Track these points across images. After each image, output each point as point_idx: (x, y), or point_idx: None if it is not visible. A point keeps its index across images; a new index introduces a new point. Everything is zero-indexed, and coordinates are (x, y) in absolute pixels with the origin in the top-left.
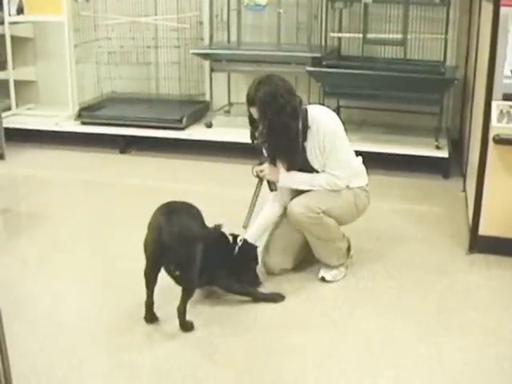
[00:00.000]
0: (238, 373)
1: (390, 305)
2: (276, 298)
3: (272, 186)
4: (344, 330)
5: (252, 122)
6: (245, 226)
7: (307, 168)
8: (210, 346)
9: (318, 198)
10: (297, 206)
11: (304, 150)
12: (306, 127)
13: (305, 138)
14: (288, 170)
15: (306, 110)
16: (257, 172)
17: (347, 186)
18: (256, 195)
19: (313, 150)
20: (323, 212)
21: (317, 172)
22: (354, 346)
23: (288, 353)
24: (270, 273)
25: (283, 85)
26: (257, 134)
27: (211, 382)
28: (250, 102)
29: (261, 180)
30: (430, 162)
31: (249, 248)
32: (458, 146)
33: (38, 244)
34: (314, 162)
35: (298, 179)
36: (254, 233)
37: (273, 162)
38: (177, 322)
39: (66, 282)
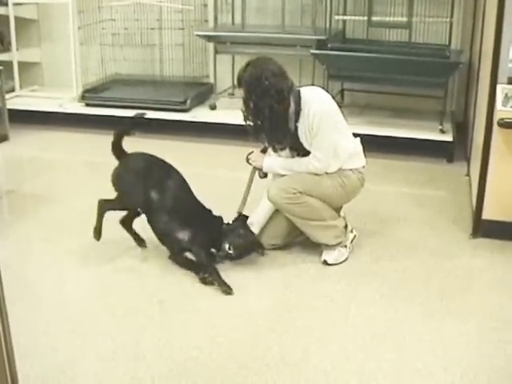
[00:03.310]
0: (241, 354)
1: (393, 288)
2: (227, 289)
3: (260, 173)
4: (347, 312)
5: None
6: (240, 211)
7: (300, 149)
8: (211, 328)
9: (296, 180)
10: (272, 188)
11: (296, 131)
12: (298, 109)
13: (297, 120)
14: (276, 151)
15: (299, 92)
16: (247, 159)
17: (339, 168)
18: (250, 181)
19: (303, 132)
20: (300, 192)
21: (308, 154)
22: (357, 328)
23: (290, 335)
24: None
25: (271, 68)
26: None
27: (212, 363)
28: (238, 82)
29: (254, 167)
30: (434, 146)
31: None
32: (463, 130)
33: (42, 225)
34: (305, 143)
35: (279, 165)
36: (260, 217)
37: (265, 148)
38: (183, 306)
39: (70, 263)
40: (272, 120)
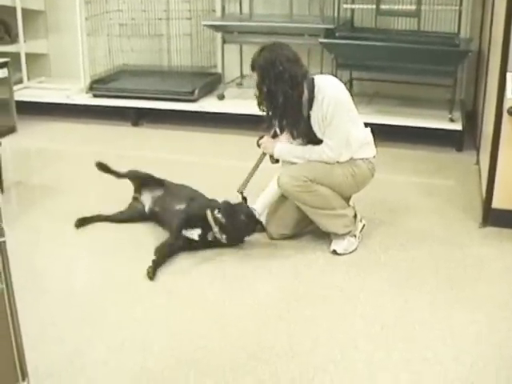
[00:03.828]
0: (250, 344)
1: (403, 277)
2: (150, 271)
3: (272, 159)
4: (356, 302)
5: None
6: (240, 191)
7: (312, 137)
8: (220, 317)
9: (307, 168)
10: (283, 176)
11: (309, 119)
12: (312, 97)
13: (310, 108)
14: (293, 137)
15: (313, 80)
16: (258, 143)
17: (350, 158)
18: (256, 165)
19: (316, 120)
20: (311, 180)
21: (320, 143)
22: (366, 318)
23: (299, 325)
24: (271, 238)
25: (285, 53)
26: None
27: (221, 353)
28: (252, 66)
29: (263, 152)
30: (444, 135)
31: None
32: (472, 119)
33: (50, 216)
34: (317, 132)
35: (291, 152)
36: (265, 198)
37: (275, 133)
38: (192, 296)
39: (78, 254)
40: (286, 106)
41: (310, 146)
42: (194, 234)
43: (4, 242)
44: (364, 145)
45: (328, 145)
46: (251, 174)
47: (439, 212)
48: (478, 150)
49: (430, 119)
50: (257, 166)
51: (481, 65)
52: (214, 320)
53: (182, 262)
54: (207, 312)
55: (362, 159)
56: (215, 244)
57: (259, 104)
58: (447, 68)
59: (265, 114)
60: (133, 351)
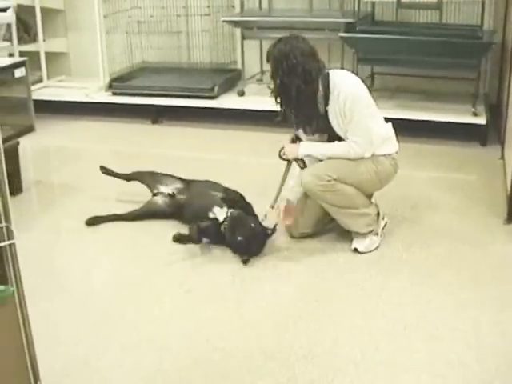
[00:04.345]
0: (268, 345)
1: (425, 276)
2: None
3: (300, 164)
4: (377, 301)
5: None
6: (272, 207)
7: (331, 133)
8: (239, 317)
9: (330, 166)
10: (307, 175)
11: (326, 115)
12: (327, 93)
13: (327, 104)
14: (306, 133)
15: (328, 75)
16: (280, 155)
17: (372, 154)
18: (284, 176)
19: (334, 116)
20: (335, 180)
21: (339, 139)
22: (387, 318)
23: (319, 324)
24: (291, 236)
25: (301, 46)
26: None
27: (239, 354)
28: (267, 57)
29: (288, 161)
30: (467, 129)
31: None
32: (496, 113)
33: (69, 215)
34: (336, 128)
35: (316, 150)
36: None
37: (294, 138)
38: (210, 296)
39: (96, 253)
40: (299, 100)
41: (336, 143)
42: (222, 214)
43: (13, 244)
44: (386, 140)
45: (354, 141)
46: (280, 188)
47: (462, 208)
48: (502, 144)
49: (453, 113)
50: (285, 178)
51: (505, 58)
52: (232, 320)
53: (202, 261)
54: (226, 312)
55: (385, 155)
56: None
57: (272, 95)
58: (470, 61)
59: (278, 106)
60: (149, 351)
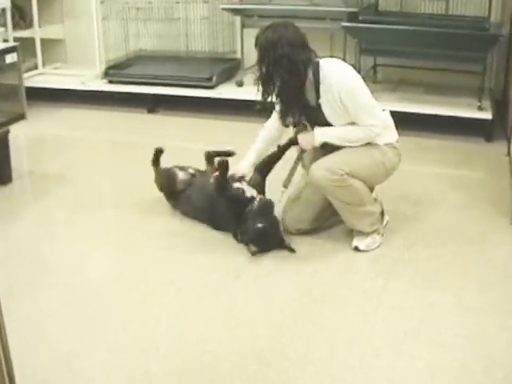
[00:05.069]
0: (262, 349)
1: (428, 278)
2: None
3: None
4: (377, 304)
5: None
6: (285, 186)
7: (322, 125)
8: (231, 318)
9: (341, 159)
10: (318, 169)
11: (320, 107)
12: (317, 83)
13: (318, 96)
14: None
15: (318, 64)
16: (292, 142)
17: (375, 144)
18: (296, 163)
19: (329, 107)
20: (347, 174)
21: None
22: (388, 322)
23: (317, 327)
24: (288, 232)
25: (290, 36)
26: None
27: (230, 358)
28: (255, 43)
29: (301, 151)
30: (472, 124)
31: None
32: (502, 108)
33: (62, 206)
34: (332, 119)
35: (334, 135)
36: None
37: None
38: (202, 295)
39: (88, 246)
40: (283, 91)
41: (353, 126)
42: (251, 192)
43: None
44: (386, 127)
45: (371, 124)
46: (293, 171)
47: (467, 206)
48: (508, 140)
49: (458, 107)
50: (296, 167)
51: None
52: (224, 322)
53: (194, 259)
54: (218, 312)
55: (387, 144)
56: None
57: (256, 83)
58: (477, 53)
59: (260, 94)
60: (136, 353)
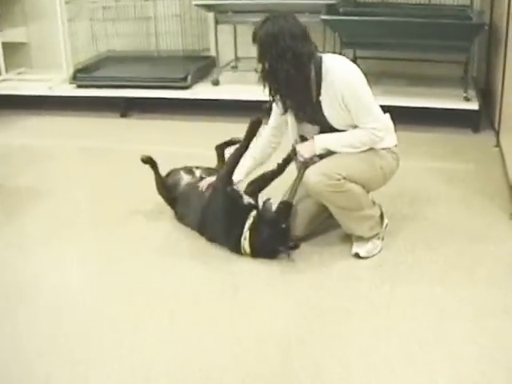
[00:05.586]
0: (270, 374)
1: (435, 282)
2: None
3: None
4: (387, 315)
5: None
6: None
7: (324, 124)
8: (234, 342)
9: (338, 163)
10: (313, 174)
11: (319, 104)
12: (319, 79)
13: (319, 93)
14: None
15: (321, 59)
16: (292, 155)
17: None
18: (299, 178)
19: (329, 105)
20: (344, 178)
21: (331, 130)
22: (400, 334)
23: (326, 346)
24: None
25: (291, 27)
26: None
27: (235, 381)
28: (253, 38)
29: (303, 167)
30: (458, 115)
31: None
32: (486, 97)
33: (36, 221)
34: (332, 118)
35: (337, 141)
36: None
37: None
38: (200, 317)
39: (67, 264)
40: (289, 87)
41: (355, 130)
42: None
43: None
44: (387, 131)
45: (373, 127)
46: (295, 189)
47: (464, 201)
48: (497, 131)
49: (443, 99)
50: (300, 180)
51: (493, 39)
52: (226, 345)
53: (184, 275)
54: (218, 336)
55: (385, 149)
56: None
57: (260, 80)
58: (461, 43)
59: (267, 91)
60: (131, 373)
